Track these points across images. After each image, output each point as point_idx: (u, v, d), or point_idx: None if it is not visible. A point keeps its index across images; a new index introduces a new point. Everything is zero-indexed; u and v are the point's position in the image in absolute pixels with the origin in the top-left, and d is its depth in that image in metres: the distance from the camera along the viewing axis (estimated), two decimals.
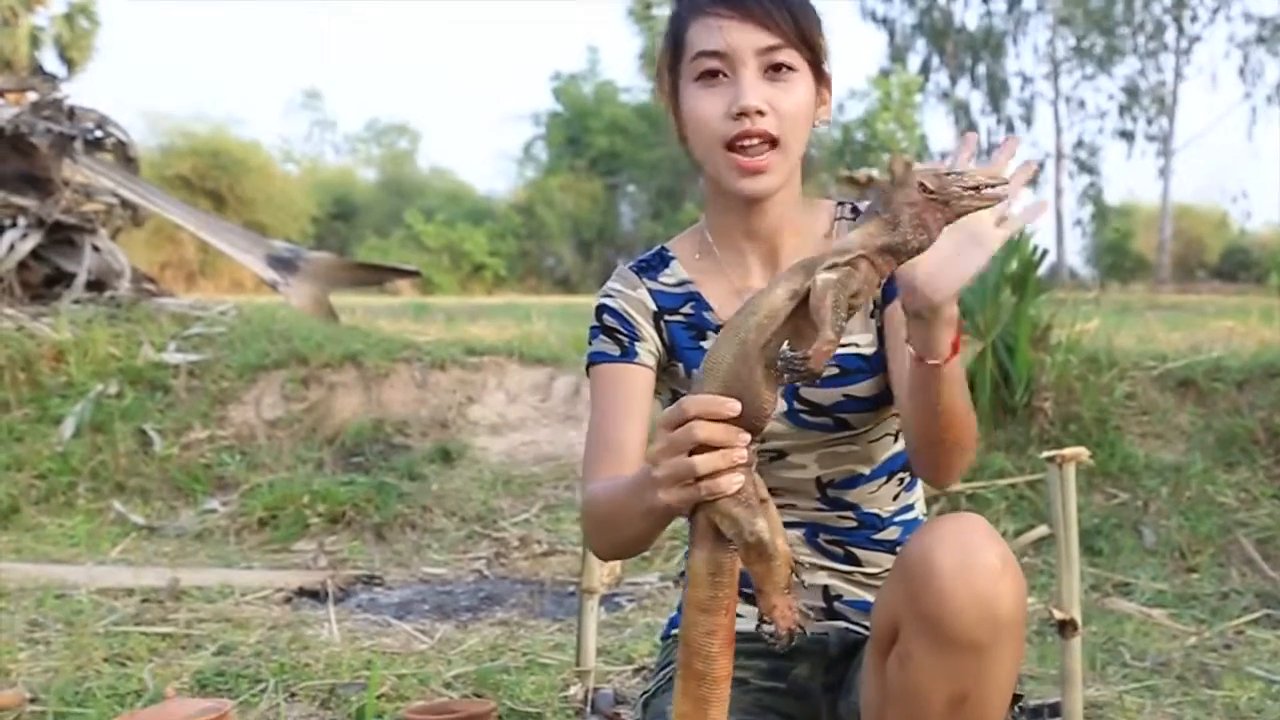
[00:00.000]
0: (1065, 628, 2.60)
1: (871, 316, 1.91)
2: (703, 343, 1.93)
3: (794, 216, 1.94)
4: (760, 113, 1.79)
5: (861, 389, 1.88)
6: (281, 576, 4.84)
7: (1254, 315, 8.81)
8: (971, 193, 1.47)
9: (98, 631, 3.93)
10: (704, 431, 1.42)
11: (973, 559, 1.55)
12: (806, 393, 1.87)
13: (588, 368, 1.96)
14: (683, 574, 1.58)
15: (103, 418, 6.43)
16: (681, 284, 1.97)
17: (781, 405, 1.86)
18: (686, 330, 1.94)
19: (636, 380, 1.91)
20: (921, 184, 1.47)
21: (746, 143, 1.80)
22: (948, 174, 1.48)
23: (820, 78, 1.87)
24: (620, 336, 1.93)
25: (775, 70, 1.81)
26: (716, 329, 1.91)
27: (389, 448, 6.36)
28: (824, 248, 1.56)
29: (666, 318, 1.95)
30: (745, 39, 1.80)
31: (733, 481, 1.43)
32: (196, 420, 6.52)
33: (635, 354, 1.92)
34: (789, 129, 1.82)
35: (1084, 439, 5.38)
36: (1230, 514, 5.19)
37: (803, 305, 1.45)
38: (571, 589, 4.63)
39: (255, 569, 5.05)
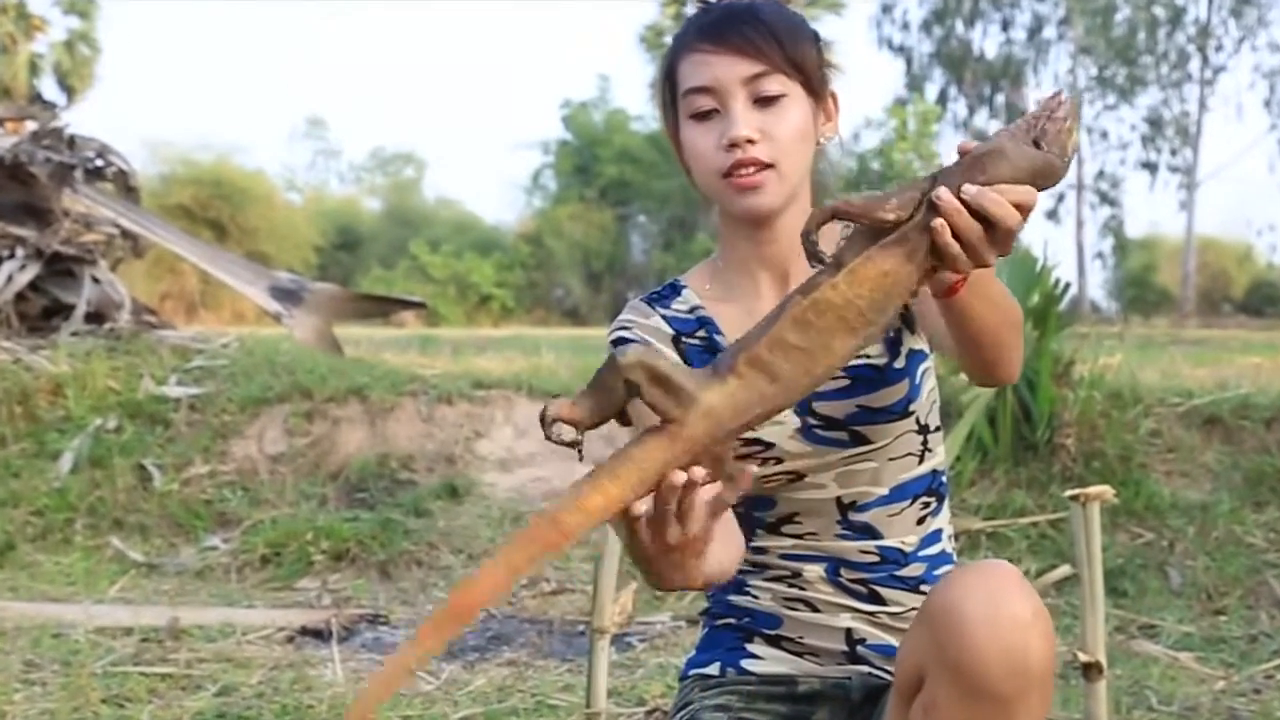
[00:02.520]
0: (1090, 671, 2.57)
1: None
2: None
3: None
4: (751, 141, 1.81)
5: (876, 399, 1.87)
6: (284, 615, 4.79)
7: None
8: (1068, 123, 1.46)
9: (95, 672, 3.89)
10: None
11: (1002, 610, 1.53)
12: (820, 406, 1.86)
13: None
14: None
15: (101, 452, 6.36)
16: (693, 310, 1.98)
17: (795, 423, 1.86)
18: (702, 353, 1.93)
19: None
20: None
21: (741, 171, 1.82)
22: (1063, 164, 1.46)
23: (817, 96, 1.89)
24: None
25: (764, 100, 1.84)
26: None
27: (394, 483, 6.29)
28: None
29: (684, 340, 1.95)
30: (730, 71, 1.83)
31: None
32: (197, 455, 6.44)
33: None
34: (783, 153, 1.84)
35: (1108, 477, 5.32)
36: (1259, 555, 5.13)
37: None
38: (581, 628, 4.60)
39: (257, 607, 5.00)
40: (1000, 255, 1.45)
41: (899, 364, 1.89)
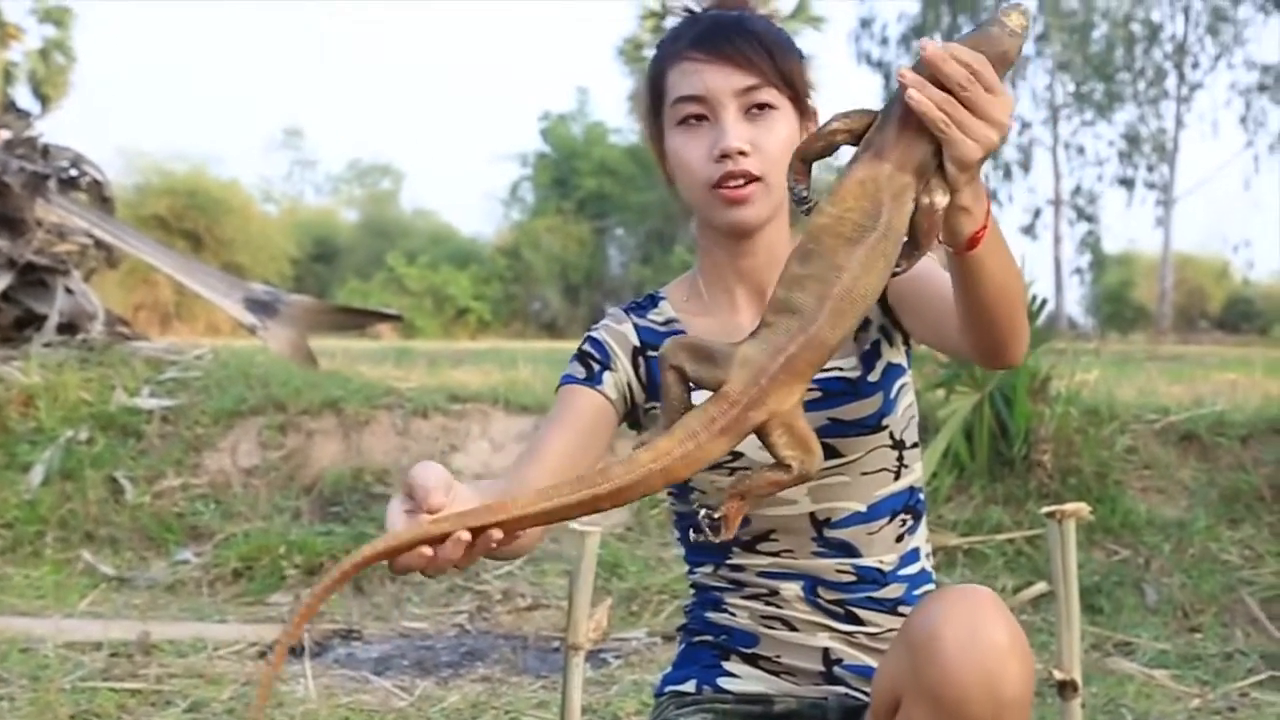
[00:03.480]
0: (1065, 689, 2.55)
1: (855, 340, 1.90)
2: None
3: (782, 256, 1.89)
4: (743, 153, 1.82)
5: (847, 411, 1.86)
6: (256, 630, 4.76)
7: (1257, 368, 8.87)
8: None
9: (64, 687, 3.85)
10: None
11: (980, 635, 1.54)
12: None
13: (557, 390, 1.97)
14: None
15: (72, 465, 6.31)
16: (668, 322, 1.98)
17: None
18: None
19: (589, 402, 1.91)
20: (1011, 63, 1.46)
21: (731, 183, 1.82)
22: (1017, 34, 1.47)
23: (804, 112, 1.90)
24: (592, 362, 1.95)
25: (756, 110, 1.85)
26: None
27: (369, 497, 6.25)
28: None
29: (648, 353, 1.94)
30: (724, 81, 1.84)
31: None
32: (170, 468, 6.40)
33: (599, 380, 1.92)
34: (772, 166, 1.84)
35: (1084, 493, 5.34)
36: (1234, 572, 5.15)
37: None
38: (556, 645, 4.59)
39: (229, 622, 4.97)
40: (996, 122, 1.41)
41: (873, 377, 1.88)
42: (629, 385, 1.94)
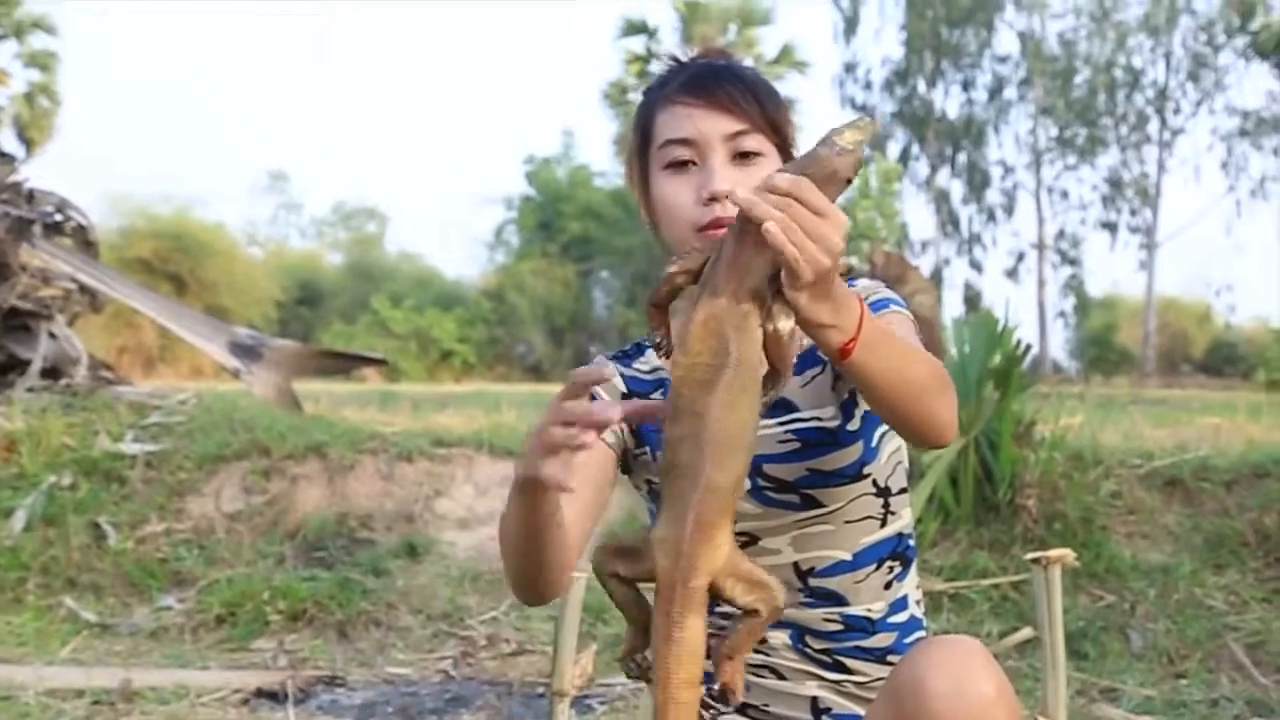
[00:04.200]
0: None
1: (834, 389, 1.88)
2: None
3: None
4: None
5: (826, 462, 1.84)
6: (239, 677, 4.73)
7: (1241, 412, 8.87)
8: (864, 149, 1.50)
9: None
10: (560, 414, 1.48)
11: (966, 687, 1.53)
12: (771, 469, 1.84)
13: None
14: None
15: (55, 510, 6.27)
16: (653, 370, 1.97)
17: (746, 484, 1.80)
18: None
19: (593, 452, 1.85)
20: (848, 178, 1.48)
21: (718, 228, 1.78)
22: (859, 153, 1.48)
23: (788, 159, 1.87)
24: None
25: (742, 157, 1.84)
26: None
27: (353, 542, 6.23)
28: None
29: (635, 398, 1.95)
30: (712, 126, 1.83)
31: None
32: (153, 513, 6.36)
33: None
34: None
35: (1069, 538, 5.34)
36: (1219, 618, 5.14)
37: None
38: (541, 690, 4.57)
39: (212, 669, 4.93)
40: (828, 243, 1.44)
41: (852, 426, 1.86)
42: (622, 431, 1.92)
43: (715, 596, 1.50)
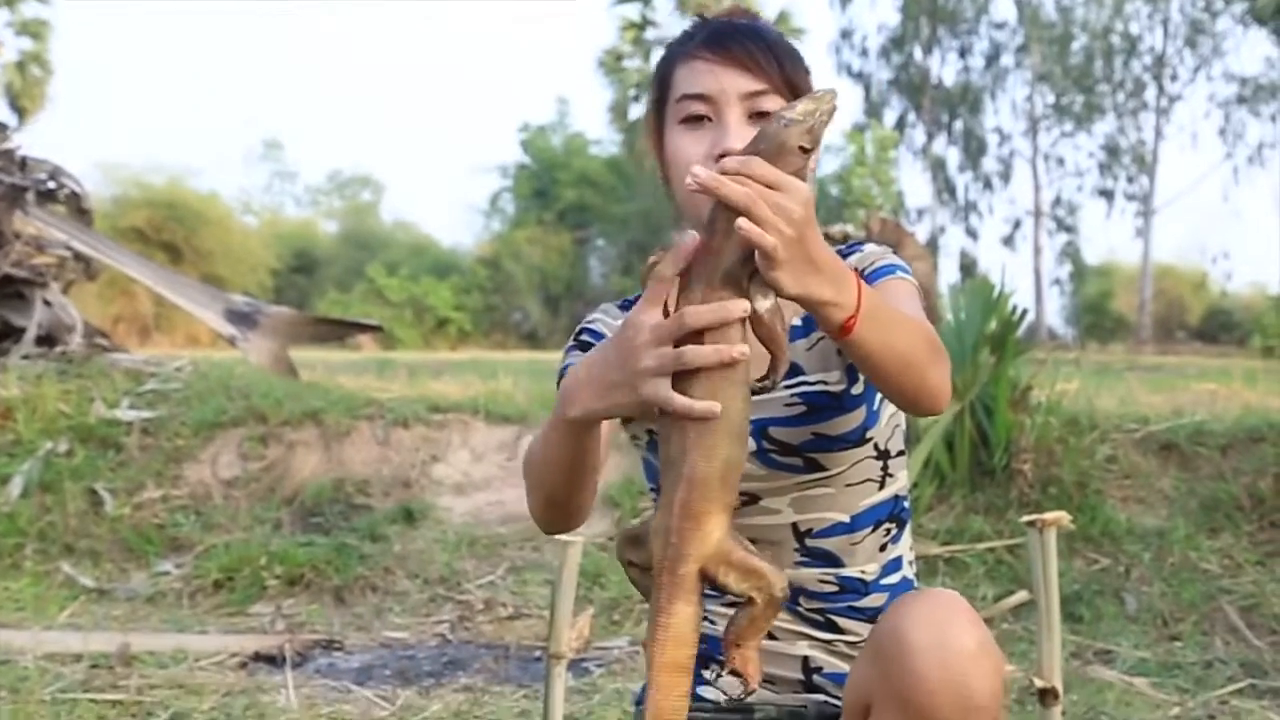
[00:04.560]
0: (1046, 696, 2.55)
1: (839, 354, 1.86)
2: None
3: None
4: None
5: (831, 427, 1.83)
6: (237, 641, 4.74)
7: (1236, 378, 8.89)
8: (824, 118, 1.48)
9: (44, 699, 3.84)
10: (695, 319, 1.46)
11: (948, 640, 1.53)
12: (776, 431, 1.84)
13: (558, 382, 1.90)
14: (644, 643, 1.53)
15: (52, 477, 6.28)
16: None
17: (751, 444, 1.80)
18: None
19: None
20: (801, 147, 1.46)
21: None
22: (813, 123, 1.48)
23: None
24: None
25: (760, 116, 1.79)
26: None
27: (350, 508, 6.24)
28: None
29: None
30: (731, 83, 1.80)
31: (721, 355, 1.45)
32: (150, 479, 6.37)
33: None
34: None
35: (1064, 502, 5.35)
36: (1214, 581, 5.15)
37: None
38: (538, 654, 4.57)
39: (210, 633, 4.94)
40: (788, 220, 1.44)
41: (856, 390, 1.86)
42: None
43: (709, 583, 1.51)
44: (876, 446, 1.88)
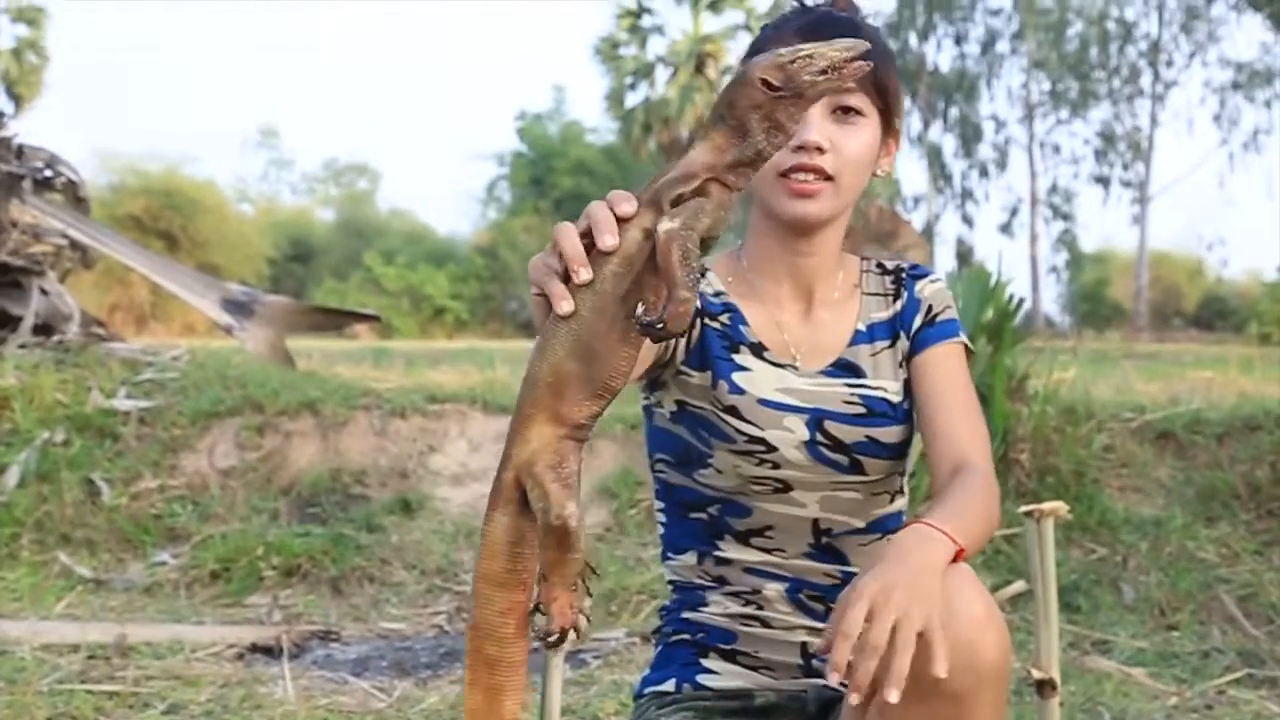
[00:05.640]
0: (1043, 687, 2.54)
1: (901, 366, 1.94)
2: (735, 355, 1.91)
3: (832, 265, 1.97)
4: (820, 149, 1.81)
5: (885, 434, 1.89)
6: (234, 632, 4.73)
7: (1232, 365, 8.89)
8: (824, 76, 1.42)
9: (41, 690, 3.82)
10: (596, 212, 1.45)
11: (957, 608, 1.55)
12: (831, 426, 1.88)
13: None
14: (542, 576, 1.47)
15: (49, 466, 6.24)
16: (718, 294, 1.97)
17: (804, 434, 1.87)
18: (721, 339, 1.92)
19: None
20: (765, 80, 1.41)
21: (800, 175, 1.82)
22: (792, 62, 1.42)
23: (889, 129, 1.90)
24: None
25: (844, 112, 1.84)
26: (752, 345, 1.92)
27: (347, 498, 6.22)
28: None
29: (705, 320, 1.93)
30: None
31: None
32: (147, 469, 6.35)
33: None
34: (845, 169, 1.84)
35: (1062, 492, 5.34)
36: (1211, 570, 5.14)
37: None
38: (534, 645, 4.51)
39: (206, 624, 4.92)
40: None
41: (907, 405, 1.93)
42: (675, 345, 1.89)
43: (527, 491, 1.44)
44: (905, 464, 1.96)
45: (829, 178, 1.84)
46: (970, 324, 5.54)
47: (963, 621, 1.54)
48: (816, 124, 1.81)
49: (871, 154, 1.88)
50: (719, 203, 1.41)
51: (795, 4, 1.98)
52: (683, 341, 1.90)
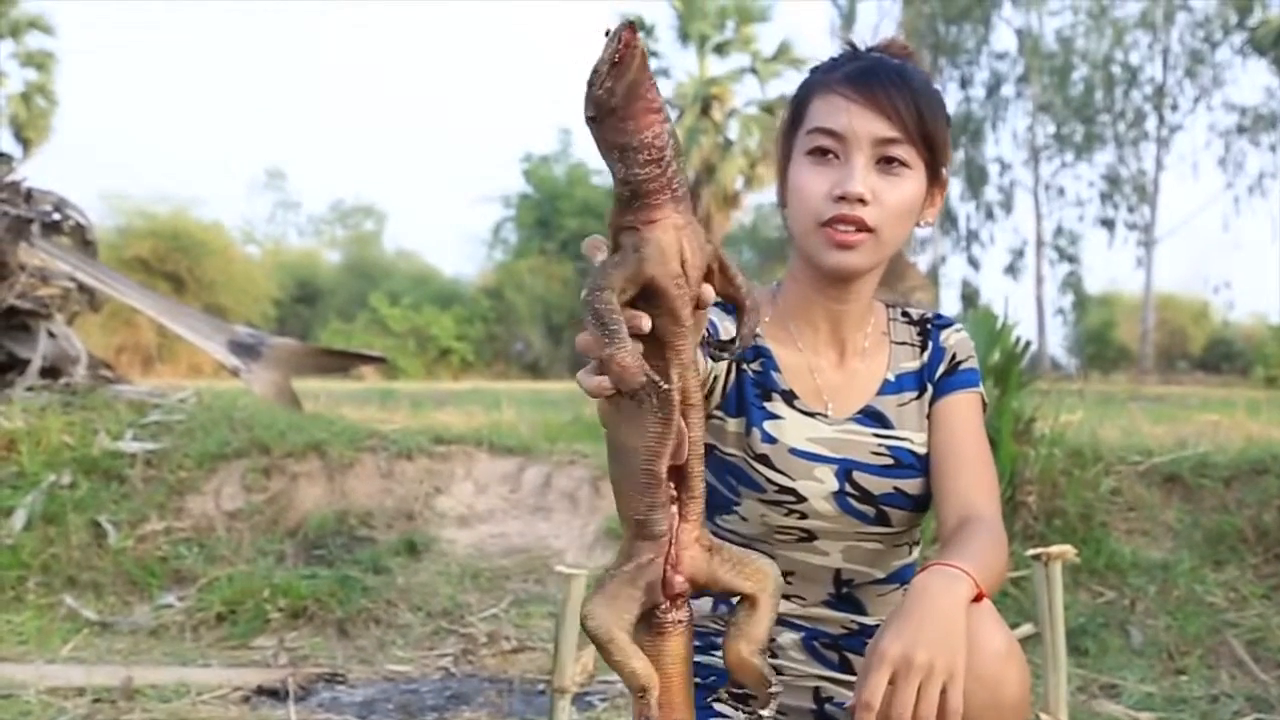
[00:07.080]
0: None
1: (926, 418, 1.94)
2: (766, 403, 1.91)
3: (865, 313, 1.97)
4: (863, 200, 1.79)
5: (911, 485, 1.90)
6: (240, 674, 4.71)
7: (1239, 408, 8.86)
8: (612, 76, 1.41)
9: None
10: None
11: (979, 642, 1.55)
12: (860, 477, 1.88)
13: None
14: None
15: (55, 509, 6.24)
16: (755, 338, 1.94)
17: (833, 485, 1.87)
18: (754, 386, 1.92)
19: None
20: (587, 119, 1.44)
21: (842, 226, 1.80)
22: (590, 87, 1.44)
23: (935, 179, 1.89)
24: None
25: (888, 163, 1.82)
26: (783, 393, 1.91)
27: (353, 540, 6.21)
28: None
29: (741, 365, 1.93)
30: (865, 125, 1.81)
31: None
32: (153, 511, 6.34)
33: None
34: (887, 222, 1.82)
35: (1069, 535, 5.32)
36: (1219, 614, 5.12)
37: None
38: (542, 688, 4.55)
39: (213, 667, 4.91)
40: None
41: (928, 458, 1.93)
42: (715, 378, 1.89)
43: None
44: (924, 514, 1.96)
45: (870, 230, 1.82)
46: (979, 368, 5.54)
47: (985, 658, 1.55)
48: (860, 173, 1.80)
49: (915, 205, 1.87)
50: (632, 245, 1.41)
51: (846, 48, 1.96)
52: (721, 385, 1.90)
